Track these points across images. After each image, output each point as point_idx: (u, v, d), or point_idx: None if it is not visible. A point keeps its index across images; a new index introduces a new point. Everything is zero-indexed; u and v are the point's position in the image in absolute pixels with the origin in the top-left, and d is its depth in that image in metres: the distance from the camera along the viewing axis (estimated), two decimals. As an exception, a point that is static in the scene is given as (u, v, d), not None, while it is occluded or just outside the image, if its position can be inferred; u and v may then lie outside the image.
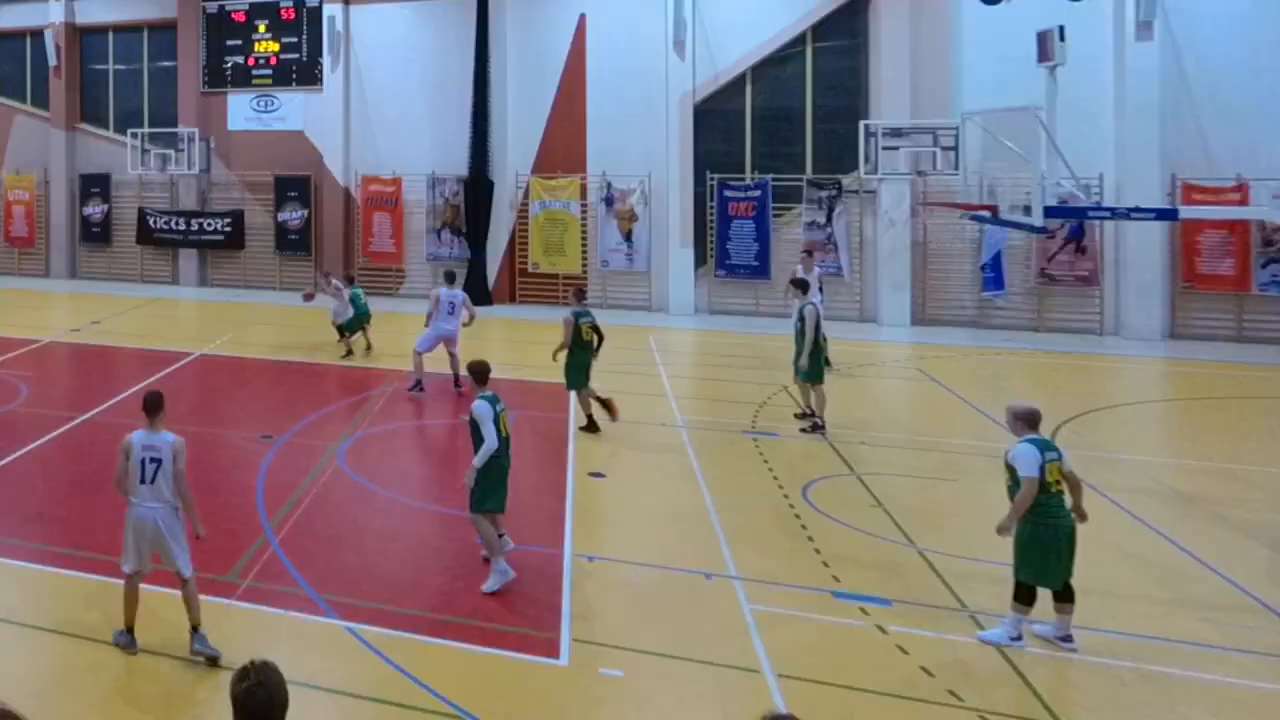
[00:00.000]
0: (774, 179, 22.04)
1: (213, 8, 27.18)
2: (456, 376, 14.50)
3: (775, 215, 22.03)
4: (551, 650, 7.17)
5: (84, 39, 29.07)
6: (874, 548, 9.05)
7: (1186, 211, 16.81)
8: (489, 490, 8.15)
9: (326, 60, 25.74)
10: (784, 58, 22.28)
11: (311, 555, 8.84)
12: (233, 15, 26.99)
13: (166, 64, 28.07)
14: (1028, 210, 11.98)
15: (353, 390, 15.35)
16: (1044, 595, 7.31)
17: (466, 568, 8.77)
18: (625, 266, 23.00)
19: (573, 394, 13.04)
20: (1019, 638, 7.21)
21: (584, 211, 23.47)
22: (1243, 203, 18.08)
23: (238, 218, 26.63)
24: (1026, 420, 7.52)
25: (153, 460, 6.94)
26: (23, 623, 7.62)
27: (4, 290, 25.88)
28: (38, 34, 28.85)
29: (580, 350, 12.61)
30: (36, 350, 18.03)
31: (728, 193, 22.32)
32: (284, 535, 9.26)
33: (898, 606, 7.84)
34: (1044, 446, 7.35)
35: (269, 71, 26.70)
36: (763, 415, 13.47)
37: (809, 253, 17.58)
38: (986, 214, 14.15)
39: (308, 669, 6.96)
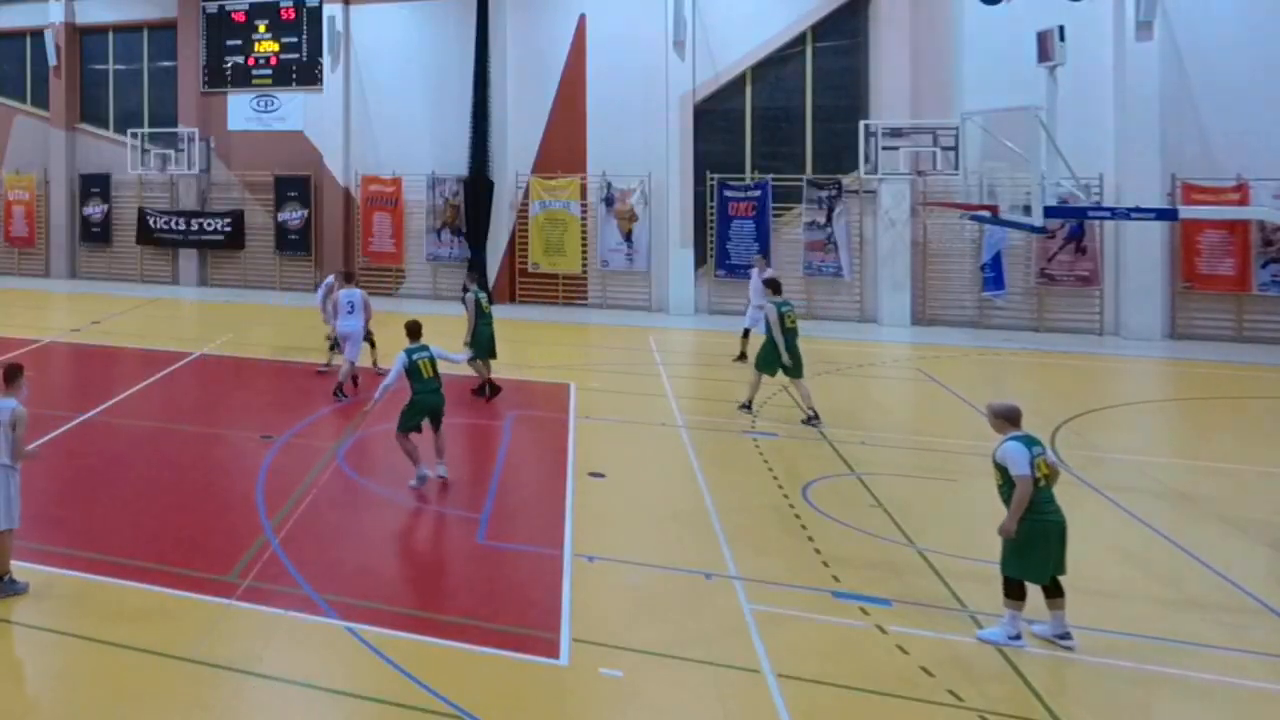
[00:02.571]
0: (774, 179, 22.04)
1: (213, 8, 27.19)
2: (375, 363, 14.84)
3: (775, 215, 22.03)
4: (551, 650, 7.17)
5: (84, 39, 29.07)
6: (874, 548, 9.05)
7: (1186, 211, 16.80)
8: (408, 417, 10.58)
9: (326, 60, 25.75)
10: (784, 57, 22.28)
11: (311, 555, 8.84)
12: (233, 15, 27.00)
13: (166, 64, 28.08)
14: (1028, 210, 11.97)
15: (353, 391, 15.31)
16: (1035, 594, 7.30)
17: (466, 567, 8.77)
18: (625, 266, 23.00)
19: (572, 389, 13.06)
20: (1018, 636, 7.21)
21: (584, 211, 23.47)
22: (1243, 203, 18.09)
23: (238, 218, 26.64)
24: (1008, 418, 7.52)
25: None
26: (23, 623, 7.61)
27: (4, 290, 25.88)
28: (38, 34, 28.87)
29: (483, 325, 14.21)
30: (36, 350, 18.02)
31: (728, 193, 22.32)
32: (284, 535, 9.26)
33: (898, 606, 7.83)
34: (1030, 442, 7.37)
35: (269, 71, 26.71)
36: (763, 415, 13.47)
37: (763, 255, 19.03)
38: (986, 214, 14.14)
39: (308, 669, 6.97)
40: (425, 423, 10.65)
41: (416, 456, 10.59)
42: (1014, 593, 7.24)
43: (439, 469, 10.69)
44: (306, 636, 7.45)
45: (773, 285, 14.29)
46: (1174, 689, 6.80)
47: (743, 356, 16.52)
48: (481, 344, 14.33)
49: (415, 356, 10.66)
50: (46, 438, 12.46)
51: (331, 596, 7.97)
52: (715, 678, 6.81)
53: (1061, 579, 7.28)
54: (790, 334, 13.20)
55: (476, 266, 15.44)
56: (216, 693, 6.66)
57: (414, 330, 11.21)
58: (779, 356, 13.21)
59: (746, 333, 16.73)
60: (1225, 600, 8.03)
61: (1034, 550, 7.15)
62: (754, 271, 17.37)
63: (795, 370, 13.24)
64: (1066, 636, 7.21)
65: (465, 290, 14.89)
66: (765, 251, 20.38)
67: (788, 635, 7.43)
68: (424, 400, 10.60)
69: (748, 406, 13.62)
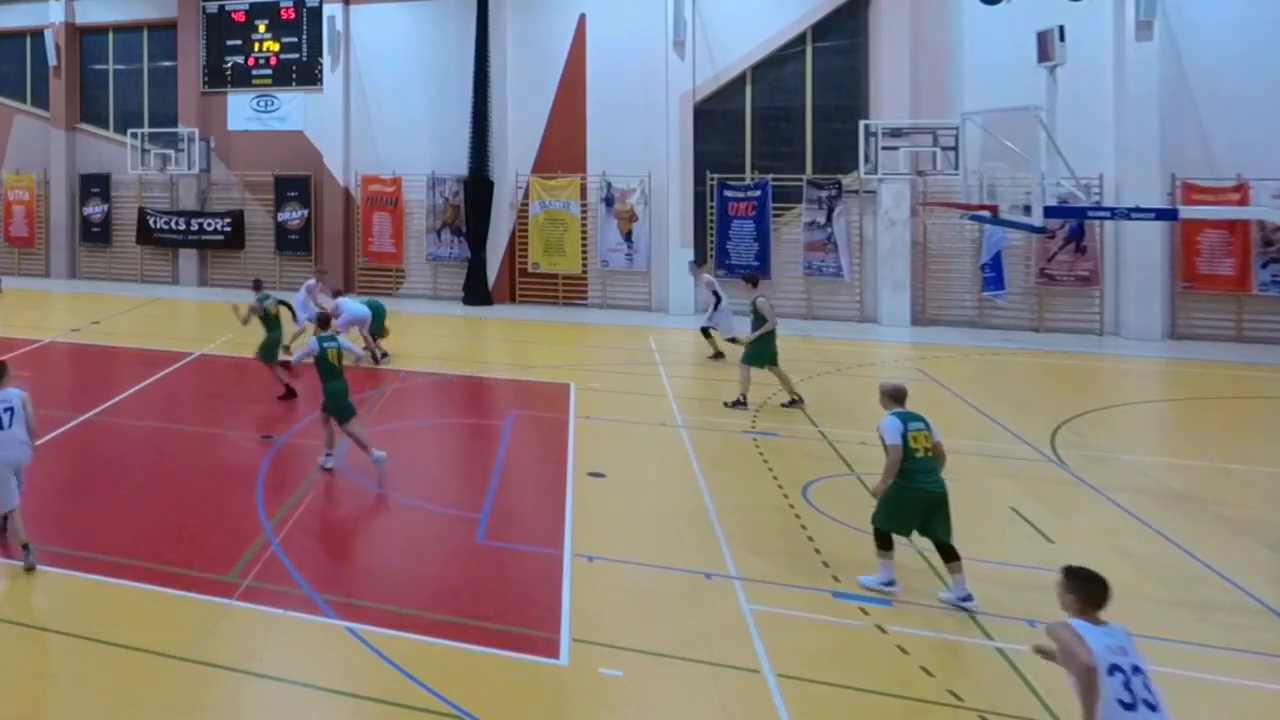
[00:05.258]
0: (774, 179, 22.05)
1: (213, 8, 27.20)
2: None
3: (775, 215, 22.04)
4: (551, 650, 7.17)
5: (84, 39, 29.08)
6: (874, 548, 9.03)
7: (1186, 211, 16.81)
8: (340, 407, 11.01)
9: (326, 60, 25.75)
10: (784, 57, 22.28)
11: (311, 555, 8.84)
12: (233, 15, 27.00)
13: (166, 64, 28.09)
14: (1028, 210, 11.99)
15: (353, 390, 15.31)
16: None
17: (466, 567, 8.77)
18: (625, 266, 23.01)
19: (572, 389, 13.06)
20: (891, 582, 7.99)
21: (584, 211, 23.48)
22: (1243, 203, 18.09)
23: (238, 218, 26.64)
24: (892, 396, 8.33)
25: (6, 409, 8.90)
26: (23, 623, 7.62)
27: (3, 290, 25.87)
28: (38, 34, 28.89)
29: (272, 327, 14.76)
30: (36, 350, 18.03)
31: (728, 193, 22.33)
32: (284, 535, 9.26)
33: (898, 606, 7.83)
34: (907, 418, 8.05)
35: (269, 71, 26.71)
36: (763, 415, 13.47)
37: (698, 263, 19.90)
38: (986, 214, 14.15)
39: (308, 669, 6.97)
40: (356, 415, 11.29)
41: (333, 445, 11.20)
42: (883, 543, 8.05)
43: (326, 460, 11.14)
44: (306, 636, 7.45)
45: (751, 280, 14.91)
46: (1174, 689, 6.79)
47: (719, 355, 16.98)
48: (275, 346, 14.79)
49: (326, 345, 11.22)
50: (47, 438, 12.47)
51: (331, 596, 7.97)
52: (715, 678, 6.81)
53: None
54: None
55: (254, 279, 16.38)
56: (216, 693, 6.66)
57: (323, 321, 12.01)
58: (770, 349, 13.77)
59: (706, 331, 17.25)
60: (1225, 600, 8.03)
61: (896, 508, 7.91)
62: (701, 276, 18.25)
63: (774, 359, 13.94)
64: (969, 599, 7.71)
65: (257, 295, 15.34)
66: (762, 262, 20.52)
67: (788, 635, 7.43)
68: (335, 387, 11.09)
69: (743, 403, 13.73)
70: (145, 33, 28.51)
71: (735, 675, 6.85)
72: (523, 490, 10.92)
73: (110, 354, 18.43)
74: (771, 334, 13.84)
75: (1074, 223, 18.80)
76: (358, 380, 15.78)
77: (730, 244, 22.23)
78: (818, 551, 8.91)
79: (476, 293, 23.92)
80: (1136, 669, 4.75)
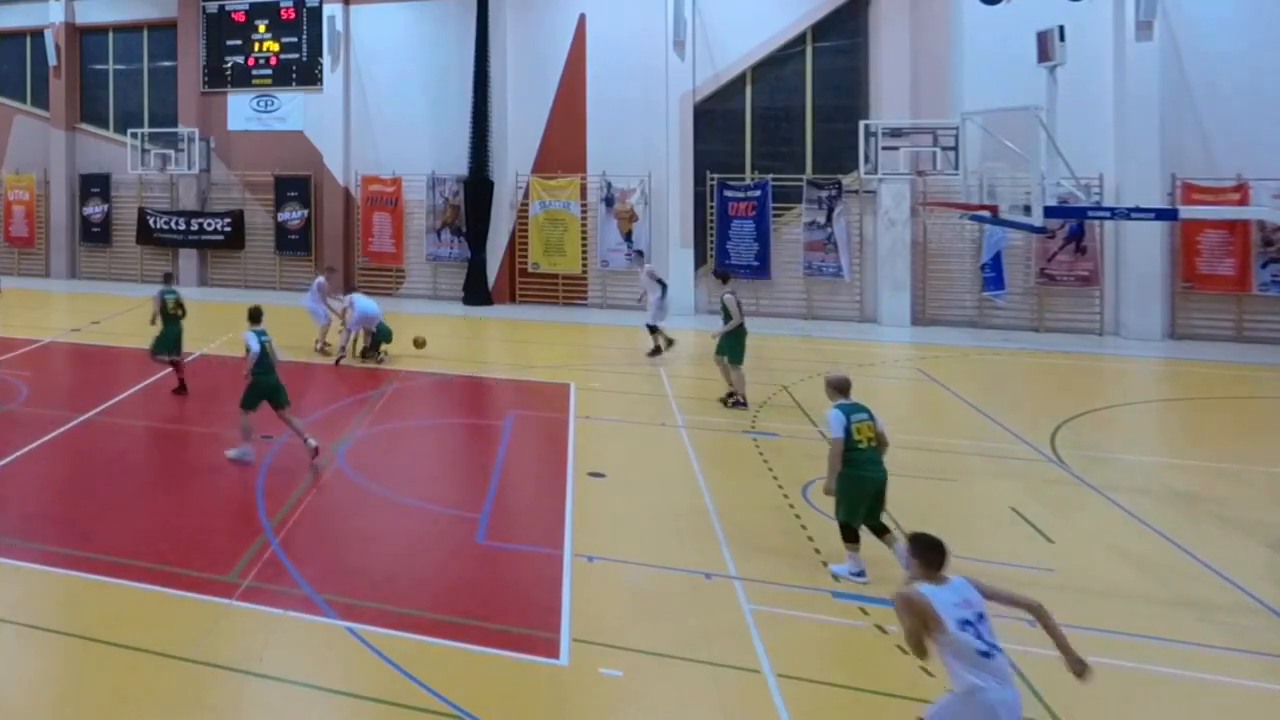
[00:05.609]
0: (774, 179, 22.05)
1: (213, 8, 27.20)
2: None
3: (775, 215, 22.04)
4: (551, 650, 7.17)
5: (84, 39, 29.08)
6: (874, 548, 9.03)
7: (1186, 211, 16.82)
8: (251, 396, 11.38)
9: (326, 60, 25.75)
10: (784, 57, 22.29)
11: (311, 555, 8.84)
12: (233, 15, 27.00)
13: (166, 64, 28.10)
14: (1028, 210, 11.98)
15: (353, 390, 15.35)
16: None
17: (466, 567, 8.78)
18: (625, 266, 22.98)
19: (572, 389, 13.06)
20: (861, 573, 8.24)
21: (584, 211, 23.47)
22: (1243, 203, 18.09)
23: (238, 218, 26.64)
24: (837, 388, 8.70)
25: None
26: (23, 623, 7.62)
27: (3, 290, 25.85)
28: (38, 34, 28.89)
29: (169, 323, 14.78)
30: (36, 350, 18.03)
31: (728, 193, 22.33)
32: (284, 535, 9.26)
33: (898, 606, 7.83)
34: (851, 410, 8.39)
35: (269, 71, 26.71)
36: (762, 415, 13.47)
37: (639, 253, 19.88)
38: (986, 214, 14.14)
39: (308, 669, 6.97)
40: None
41: (248, 434, 11.48)
42: (848, 536, 8.29)
43: (309, 441, 11.39)
44: (306, 636, 7.45)
45: (723, 276, 15.11)
46: (1174, 689, 6.80)
47: (657, 350, 17.26)
48: (167, 342, 14.80)
49: (265, 341, 11.68)
50: (46, 437, 12.48)
51: (331, 596, 7.97)
52: (715, 678, 6.81)
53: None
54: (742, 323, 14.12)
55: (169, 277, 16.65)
56: (216, 693, 6.66)
57: (255, 315, 12.24)
58: (742, 343, 13.97)
59: (653, 329, 17.42)
60: (1225, 600, 8.03)
61: (854, 499, 8.21)
62: (644, 267, 18.32)
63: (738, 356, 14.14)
64: (861, 574, 8.28)
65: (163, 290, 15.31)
66: (762, 262, 20.55)
67: (788, 635, 7.43)
68: (266, 381, 11.42)
69: (742, 402, 13.78)
70: (145, 33, 28.51)
71: (735, 675, 6.85)
72: (523, 490, 10.92)
73: (110, 354, 18.43)
74: (741, 331, 13.95)
75: (1074, 223, 18.80)
76: (358, 382, 15.83)
77: (730, 244, 22.23)
78: (817, 551, 8.91)
79: (476, 293, 23.93)
80: (981, 616, 5.15)
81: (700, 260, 22.53)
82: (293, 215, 26.16)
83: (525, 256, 23.99)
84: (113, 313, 22.41)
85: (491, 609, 7.81)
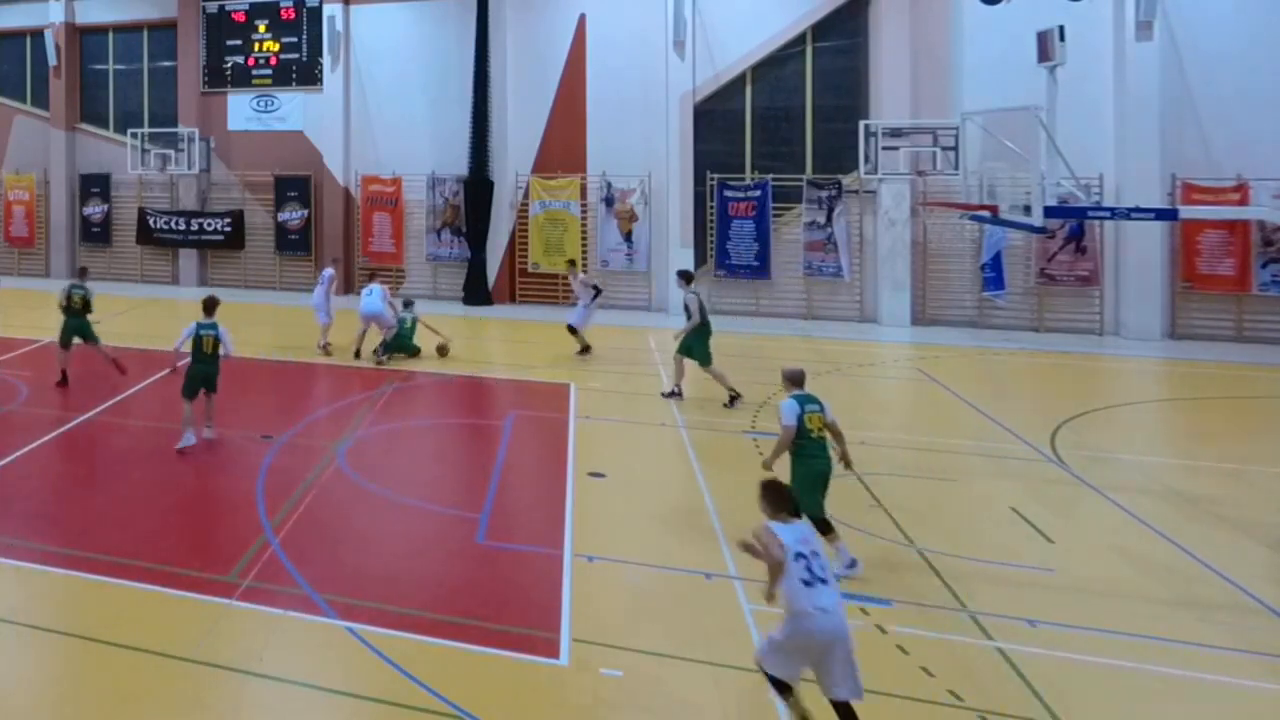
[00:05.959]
0: (774, 179, 22.04)
1: (213, 8, 27.19)
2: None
3: (775, 215, 22.03)
4: (551, 650, 7.17)
5: (84, 39, 29.08)
6: (874, 548, 9.05)
7: (1186, 211, 16.81)
8: (187, 384, 11.92)
9: (326, 60, 25.75)
10: (784, 57, 22.28)
11: (311, 555, 8.84)
12: (233, 15, 27.00)
13: (166, 64, 28.09)
14: (1028, 210, 11.98)
15: (353, 390, 15.35)
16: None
17: (466, 567, 8.78)
18: (625, 266, 23.00)
19: (572, 389, 13.04)
20: (854, 564, 8.36)
21: (584, 211, 23.48)
22: (1243, 203, 18.09)
23: (238, 218, 26.64)
24: (792, 380, 8.99)
25: None
26: (23, 623, 7.62)
27: (4, 290, 25.86)
28: (38, 34, 28.88)
29: (72, 316, 15.22)
30: (36, 350, 18.02)
31: (728, 193, 22.32)
32: (284, 535, 9.26)
33: (898, 606, 7.84)
34: (804, 400, 8.65)
35: (269, 71, 26.71)
36: (763, 415, 13.47)
37: (572, 262, 20.29)
38: (986, 214, 14.14)
39: (308, 669, 6.97)
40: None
41: (189, 422, 11.87)
42: (823, 529, 8.28)
43: (206, 431, 12.01)
44: (306, 636, 7.45)
45: (686, 276, 15.15)
46: (1174, 689, 6.80)
47: (586, 349, 17.43)
48: (64, 334, 15.21)
49: (203, 332, 12.01)
50: (46, 437, 12.49)
51: (331, 596, 7.97)
52: (715, 678, 6.82)
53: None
54: (705, 321, 14.32)
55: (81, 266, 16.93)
56: (216, 693, 6.66)
57: (209, 306, 12.43)
58: (700, 343, 14.19)
59: (573, 329, 17.57)
60: (1225, 600, 8.03)
61: (812, 488, 8.42)
62: (577, 276, 18.52)
63: (692, 353, 14.34)
64: (853, 565, 8.35)
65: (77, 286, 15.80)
66: (762, 262, 20.56)
67: (788, 635, 7.42)
68: (198, 370, 11.94)
69: (735, 399, 14.02)
70: (145, 33, 28.50)
71: (735, 675, 6.85)
72: (523, 490, 10.93)
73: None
74: (702, 330, 14.16)
75: (1074, 223, 18.79)
76: (358, 382, 15.84)
77: (730, 244, 22.23)
78: (818, 551, 8.91)
79: (476, 293, 23.93)
80: (815, 553, 6.04)
81: (700, 260, 22.52)
82: (293, 215, 26.16)
83: (525, 256, 23.99)
84: (113, 313, 22.40)
85: (491, 609, 7.81)
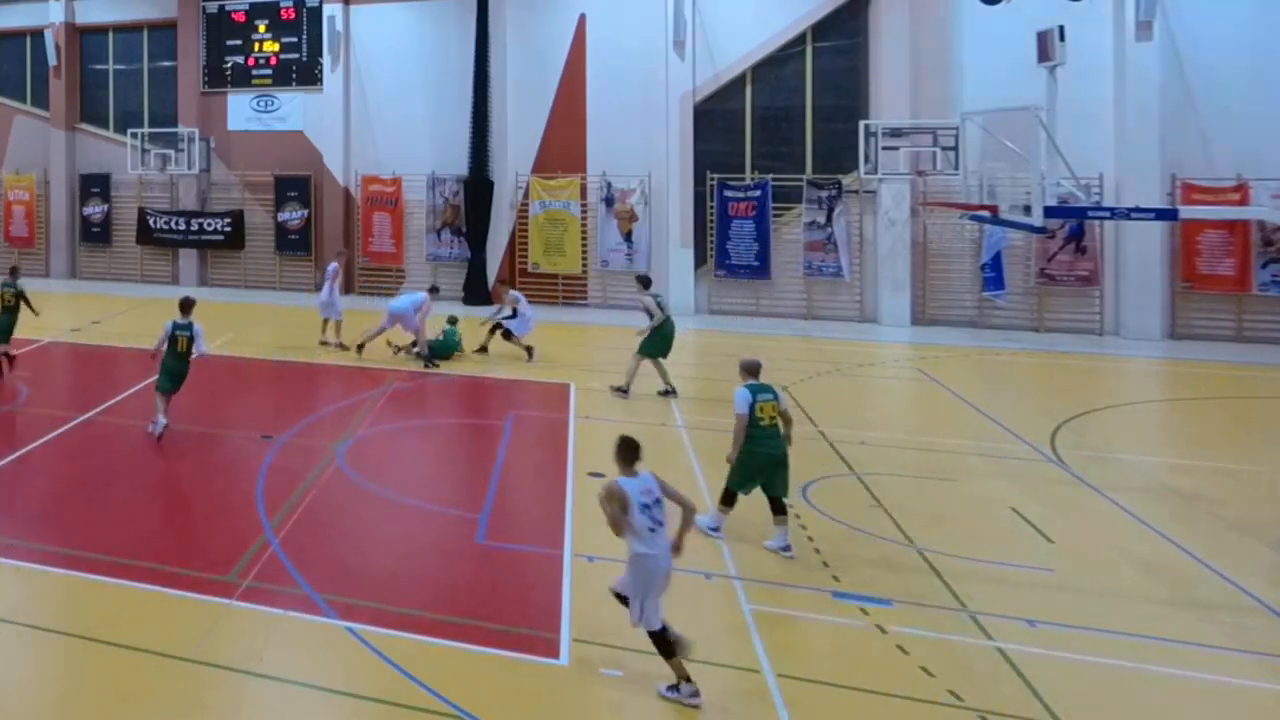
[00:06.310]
0: (774, 179, 22.04)
1: (213, 8, 27.19)
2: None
3: (775, 215, 22.03)
4: (551, 650, 7.17)
5: (84, 39, 29.08)
6: (874, 548, 9.05)
7: (1186, 211, 16.81)
8: (161, 379, 12.48)
9: (326, 60, 25.75)
10: (784, 57, 22.28)
11: (311, 555, 8.84)
12: (233, 15, 27.00)
13: (166, 64, 28.09)
14: (1028, 210, 11.97)
15: (353, 390, 15.35)
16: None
17: (466, 567, 8.77)
18: (625, 266, 22.99)
19: (572, 389, 13.05)
20: (717, 528, 9.13)
21: (584, 211, 23.48)
22: (1243, 203, 18.08)
23: (238, 218, 26.64)
24: (747, 370, 9.34)
25: None
26: (23, 623, 7.62)
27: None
28: (38, 34, 28.88)
29: (4, 314, 15.54)
30: (36, 350, 18.02)
31: (728, 193, 22.32)
32: (284, 535, 9.26)
33: (898, 606, 7.84)
34: (756, 390, 9.06)
35: (269, 71, 26.70)
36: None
37: (501, 281, 20.34)
38: (986, 214, 14.14)
39: (308, 669, 6.97)
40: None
41: (158, 409, 12.38)
42: (727, 500, 9.14)
43: (158, 423, 12.37)
44: (306, 636, 7.45)
45: (644, 281, 15.54)
46: (1174, 689, 6.80)
47: (484, 349, 17.50)
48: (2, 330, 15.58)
49: (178, 332, 12.46)
50: (47, 437, 12.49)
51: (331, 596, 7.97)
52: (715, 678, 6.81)
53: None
54: (668, 321, 14.74)
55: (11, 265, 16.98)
56: (216, 693, 6.66)
57: (185, 306, 12.81)
58: (662, 341, 14.64)
59: (496, 328, 17.50)
60: (1225, 600, 8.03)
61: (744, 469, 8.99)
62: (507, 293, 17.99)
63: (666, 352, 14.81)
64: (787, 549, 8.79)
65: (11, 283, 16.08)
66: (762, 262, 20.46)
67: (788, 635, 7.43)
68: (170, 366, 12.38)
69: (624, 391, 14.51)
70: (145, 33, 28.49)
71: (735, 675, 6.85)
72: (523, 490, 10.93)
73: (110, 354, 18.43)
74: (659, 329, 14.55)
75: (1074, 223, 18.79)
76: (358, 382, 15.84)
77: (730, 244, 22.23)
78: (817, 551, 8.92)
79: (476, 293, 23.91)
80: (657, 501, 6.69)
81: (700, 260, 22.53)
82: (293, 215, 26.16)
83: (525, 256, 23.99)
84: (113, 313, 22.42)
85: (491, 609, 7.81)
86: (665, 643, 6.54)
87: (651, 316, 14.69)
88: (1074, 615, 7.70)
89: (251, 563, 8.61)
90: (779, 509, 8.95)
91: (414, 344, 16.91)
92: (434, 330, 17.25)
